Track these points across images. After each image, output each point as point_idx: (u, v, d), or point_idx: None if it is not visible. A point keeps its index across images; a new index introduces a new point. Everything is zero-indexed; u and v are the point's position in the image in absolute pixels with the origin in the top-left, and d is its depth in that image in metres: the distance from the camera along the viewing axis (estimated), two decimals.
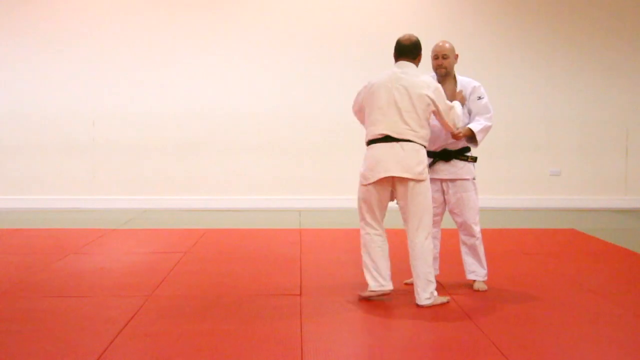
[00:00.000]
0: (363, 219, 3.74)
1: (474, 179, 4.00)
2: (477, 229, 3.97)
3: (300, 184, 8.22)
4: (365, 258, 3.72)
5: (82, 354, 2.92)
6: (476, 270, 4.02)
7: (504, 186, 8.30)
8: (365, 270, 3.73)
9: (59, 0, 8.08)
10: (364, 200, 3.72)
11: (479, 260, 4.02)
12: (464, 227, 3.99)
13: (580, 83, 8.34)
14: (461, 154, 3.96)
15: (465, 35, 8.27)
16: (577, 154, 8.36)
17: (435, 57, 4.02)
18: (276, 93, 8.21)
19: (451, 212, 4.03)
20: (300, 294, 3.90)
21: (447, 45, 4.03)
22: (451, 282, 4.16)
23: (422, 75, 3.72)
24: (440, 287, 4.01)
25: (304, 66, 8.20)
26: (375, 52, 8.18)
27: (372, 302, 3.73)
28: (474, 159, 4.00)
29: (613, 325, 3.35)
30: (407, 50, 3.75)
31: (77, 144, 8.12)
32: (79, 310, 3.60)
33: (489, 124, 3.94)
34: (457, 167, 3.95)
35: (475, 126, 3.89)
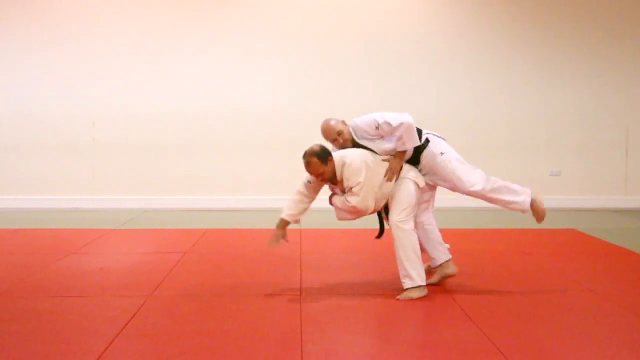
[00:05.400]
0: (411, 218, 3.85)
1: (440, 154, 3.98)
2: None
3: None
4: (414, 254, 3.79)
5: (82, 354, 2.92)
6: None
7: None
8: (415, 271, 3.77)
9: (58, 0, 8.09)
10: (417, 201, 3.89)
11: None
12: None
13: (580, 83, 8.34)
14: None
15: (465, 35, 8.29)
16: (577, 154, 8.36)
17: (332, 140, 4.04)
18: (276, 93, 8.21)
19: None
20: (300, 294, 3.90)
21: (331, 126, 4.04)
22: (451, 282, 4.16)
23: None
24: (440, 287, 4.02)
25: (303, 67, 8.20)
26: (377, 52, 8.21)
27: (372, 303, 3.73)
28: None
29: (613, 325, 3.35)
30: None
31: (77, 144, 8.12)
32: (79, 310, 3.60)
33: (398, 122, 3.81)
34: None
35: (397, 146, 3.89)
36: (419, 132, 3.95)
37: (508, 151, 8.26)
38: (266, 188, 8.16)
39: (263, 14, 8.19)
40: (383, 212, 4.02)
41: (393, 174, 3.87)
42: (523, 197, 4.01)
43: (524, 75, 8.31)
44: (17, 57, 8.08)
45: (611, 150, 8.38)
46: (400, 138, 3.84)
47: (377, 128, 3.87)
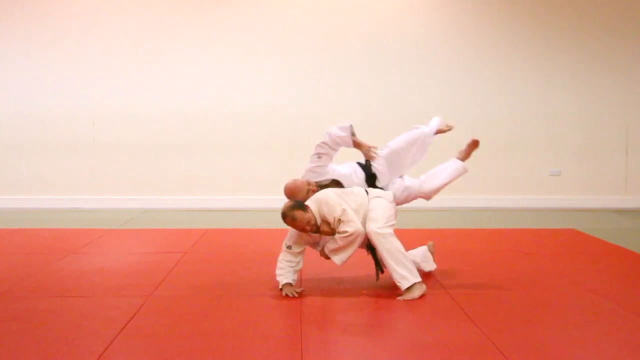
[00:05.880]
0: (389, 226, 3.88)
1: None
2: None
3: None
4: (400, 255, 3.82)
5: (82, 354, 2.92)
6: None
7: (504, 186, 8.30)
8: (407, 271, 3.79)
9: (58, 0, 8.09)
10: (394, 212, 4.00)
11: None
12: None
13: (580, 83, 8.34)
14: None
15: (466, 35, 8.29)
16: (577, 154, 8.37)
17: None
18: (276, 93, 8.22)
19: None
20: (300, 294, 3.90)
21: (299, 182, 4.08)
22: (451, 282, 4.16)
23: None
24: (440, 287, 4.01)
25: (303, 66, 8.21)
26: (377, 52, 8.21)
27: (372, 302, 3.73)
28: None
29: (613, 325, 3.35)
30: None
31: (77, 144, 8.13)
32: (79, 310, 3.60)
33: (326, 133, 4.04)
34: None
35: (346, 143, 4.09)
36: (361, 165, 4.15)
37: (508, 151, 8.27)
38: (266, 188, 8.15)
39: (263, 14, 8.19)
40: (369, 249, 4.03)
41: (369, 151, 4.04)
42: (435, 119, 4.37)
43: (524, 75, 8.32)
44: (17, 57, 8.08)
45: (611, 150, 8.38)
46: (341, 139, 4.00)
47: (319, 157, 4.04)
